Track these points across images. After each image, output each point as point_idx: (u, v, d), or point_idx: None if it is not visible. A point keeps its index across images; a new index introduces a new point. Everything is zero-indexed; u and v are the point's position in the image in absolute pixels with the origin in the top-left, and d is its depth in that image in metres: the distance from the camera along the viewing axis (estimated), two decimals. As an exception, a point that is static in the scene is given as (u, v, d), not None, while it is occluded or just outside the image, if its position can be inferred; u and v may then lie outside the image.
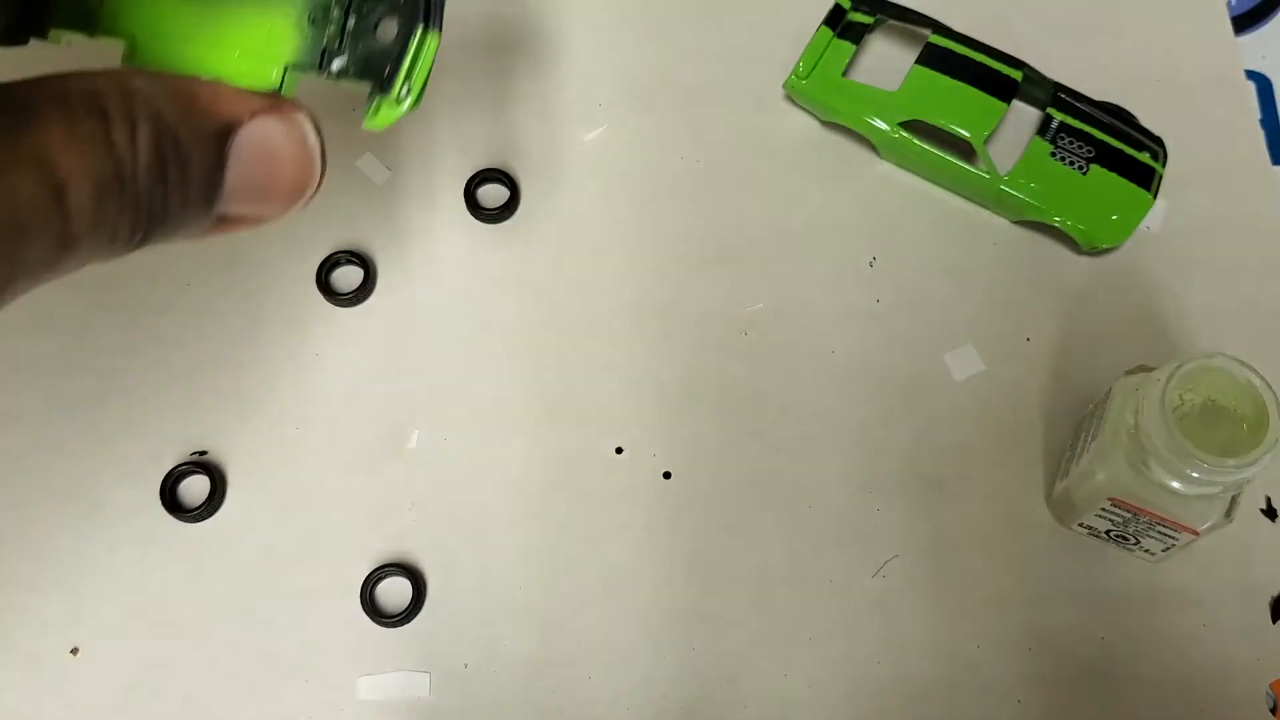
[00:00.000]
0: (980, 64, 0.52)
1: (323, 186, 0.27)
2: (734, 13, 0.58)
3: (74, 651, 0.47)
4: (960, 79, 0.52)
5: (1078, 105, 0.53)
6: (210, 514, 0.49)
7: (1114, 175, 0.51)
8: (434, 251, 0.53)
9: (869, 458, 0.49)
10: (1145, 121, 0.53)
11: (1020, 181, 0.51)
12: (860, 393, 0.50)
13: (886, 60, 0.56)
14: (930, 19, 0.54)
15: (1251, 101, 0.56)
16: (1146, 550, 0.45)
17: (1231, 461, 0.38)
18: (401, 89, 0.27)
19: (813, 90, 0.54)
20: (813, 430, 0.50)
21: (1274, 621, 0.47)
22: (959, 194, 0.54)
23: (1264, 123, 0.55)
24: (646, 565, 0.48)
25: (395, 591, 0.48)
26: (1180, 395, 0.39)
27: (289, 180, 0.26)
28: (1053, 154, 0.52)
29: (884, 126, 0.52)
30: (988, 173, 0.51)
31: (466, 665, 0.47)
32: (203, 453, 0.50)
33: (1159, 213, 0.53)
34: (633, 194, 0.54)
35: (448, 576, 0.48)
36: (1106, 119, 0.52)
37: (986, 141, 0.51)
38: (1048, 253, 0.53)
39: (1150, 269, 0.52)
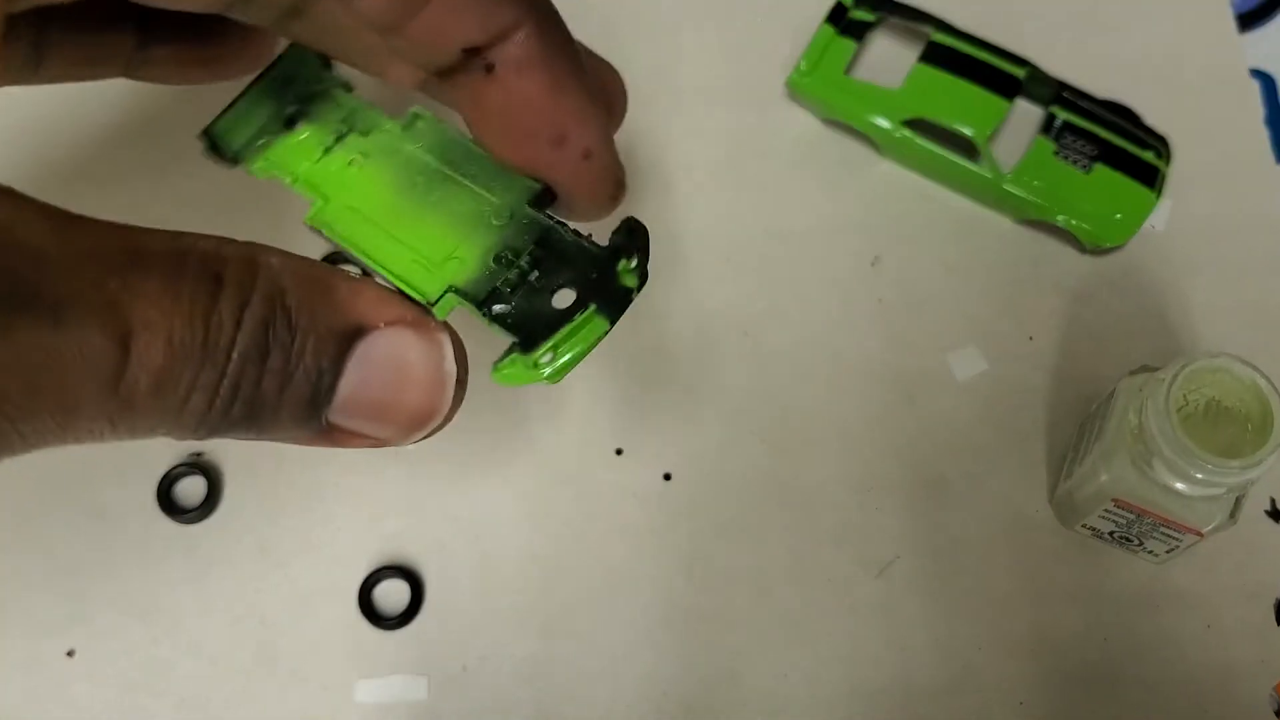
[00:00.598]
0: (983, 62, 0.52)
1: (450, 422, 0.24)
2: (735, 11, 0.57)
3: (70, 653, 0.47)
4: (963, 77, 0.52)
5: (1081, 104, 0.52)
6: (207, 515, 0.48)
7: (1118, 174, 0.51)
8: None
9: (870, 458, 0.49)
10: (1149, 120, 0.53)
11: (1023, 180, 0.51)
12: (861, 393, 0.50)
13: (889, 58, 0.56)
14: (933, 16, 0.54)
15: (1256, 100, 0.56)
16: (1150, 552, 0.45)
17: (1236, 463, 0.37)
18: (544, 355, 0.25)
19: (814, 88, 0.53)
20: (814, 431, 0.50)
21: (1278, 623, 0.47)
22: (961, 193, 0.53)
23: (1268, 122, 0.55)
24: (646, 566, 0.48)
25: (393, 594, 0.47)
26: (1184, 396, 0.39)
27: (413, 404, 0.23)
28: (1056, 153, 0.51)
29: (886, 125, 0.52)
30: (990, 171, 0.51)
31: (465, 668, 0.47)
32: (199, 454, 0.49)
33: (1163, 212, 0.53)
34: (632, 192, 0.54)
35: (446, 579, 0.48)
36: (1111, 117, 0.52)
37: (989, 140, 0.51)
38: (1051, 252, 0.53)
39: (1154, 268, 0.52)
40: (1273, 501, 0.48)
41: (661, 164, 0.54)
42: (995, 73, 0.52)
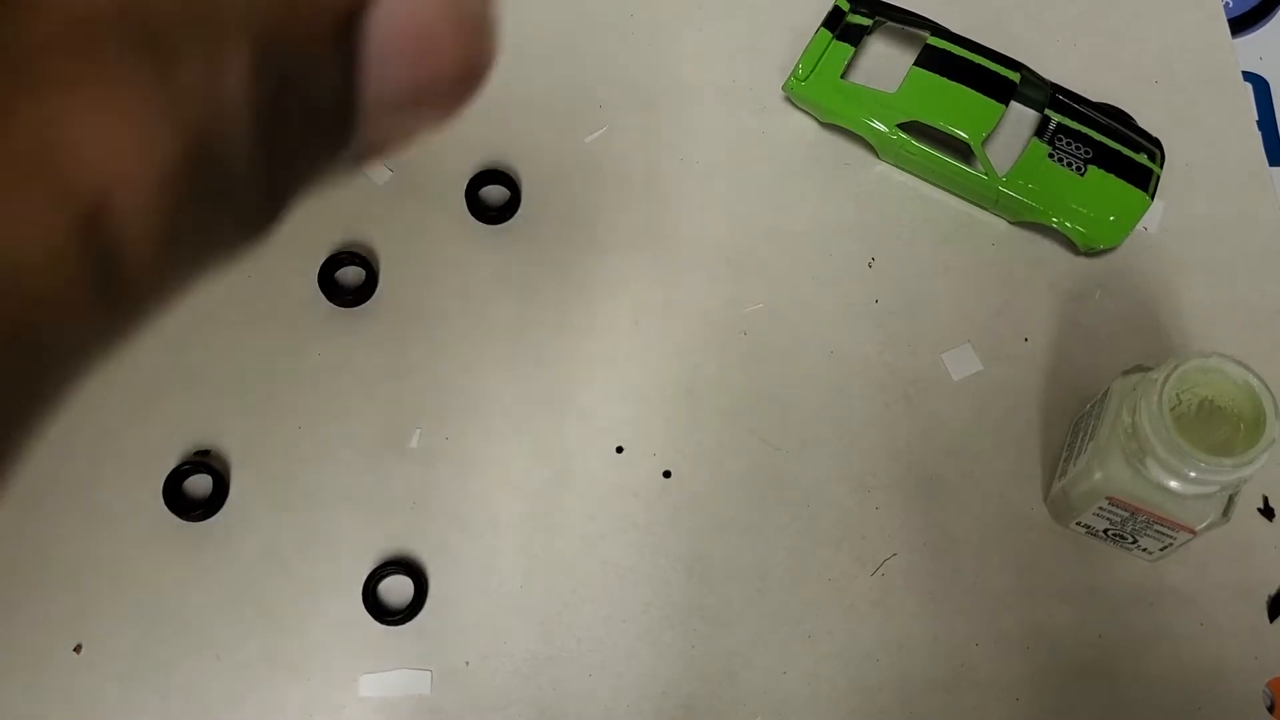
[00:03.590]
0: (978, 65, 0.53)
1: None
2: (734, 14, 0.58)
3: (77, 649, 0.47)
4: (958, 80, 0.52)
5: (1075, 107, 0.53)
6: (213, 513, 0.49)
7: (1111, 176, 0.51)
8: (435, 252, 0.53)
9: (867, 457, 0.50)
10: (1143, 123, 0.54)
11: (1018, 182, 0.52)
12: (859, 392, 0.51)
13: (885, 62, 0.56)
14: (929, 21, 0.55)
15: (1249, 103, 0.56)
16: (1144, 549, 0.46)
17: (1228, 461, 0.38)
18: None
19: (812, 92, 0.54)
20: (811, 429, 0.50)
21: (1271, 620, 0.47)
22: (957, 195, 0.54)
23: (1261, 124, 0.55)
24: (646, 563, 0.48)
25: (397, 590, 0.48)
26: (1177, 395, 0.39)
27: (451, 64, 0.17)
28: (1050, 155, 0.52)
29: (882, 128, 0.53)
30: (986, 173, 0.52)
31: (468, 663, 0.47)
32: (205, 452, 0.50)
33: (1157, 213, 0.53)
34: (633, 195, 0.54)
35: (449, 575, 0.48)
36: (1104, 120, 0.53)
37: (984, 143, 0.51)
38: (1046, 253, 0.53)
39: (1148, 269, 0.53)
40: (1265, 499, 0.49)
41: (661, 166, 0.55)
42: (990, 76, 0.52)
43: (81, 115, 0.13)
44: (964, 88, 0.52)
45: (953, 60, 0.53)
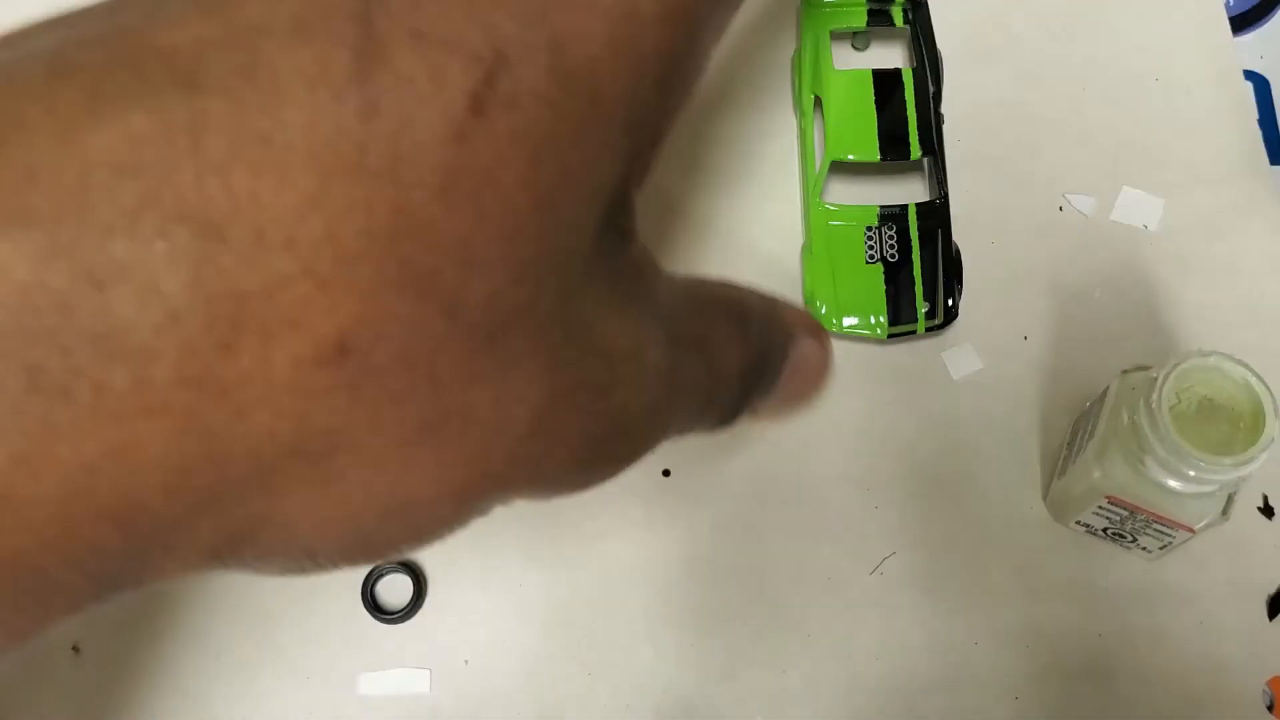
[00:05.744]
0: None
1: None
2: (743, 10, 0.58)
3: (75, 649, 0.47)
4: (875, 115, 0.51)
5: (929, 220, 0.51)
6: (211, 511, 0.49)
7: (883, 285, 0.50)
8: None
9: (867, 455, 0.50)
10: (1142, 120, 0.54)
11: (811, 227, 0.51)
12: (858, 391, 0.51)
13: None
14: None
15: (1249, 101, 0.56)
16: (1143, 548, 0.46)
17: (1228, 460, 0.38)
18: None
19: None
20: (811, 428, 0.50)
21: (1271, 619, 0.47)
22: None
23: (1262, 123, 0.55)
24: (645, 562, 0.48)
25: (396, 588, 0.48)
26: (1177, 394, 0.39)
27: (811, 393, 0.27)
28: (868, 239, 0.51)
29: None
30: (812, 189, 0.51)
31: (467, 661, 0.47)
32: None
33: (1157, 211, 0.53)
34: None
35: (448, 573, 0.48)
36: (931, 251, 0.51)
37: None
38: (1046, 251, 0.53)
39: (1148, 268, 0.52)
40: (1265, 498, 0.49)
41: (664, 163, 0.55)
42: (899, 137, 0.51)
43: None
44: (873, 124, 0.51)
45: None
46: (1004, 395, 0.51)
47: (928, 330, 0.50)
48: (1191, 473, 0.38)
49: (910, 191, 0.53)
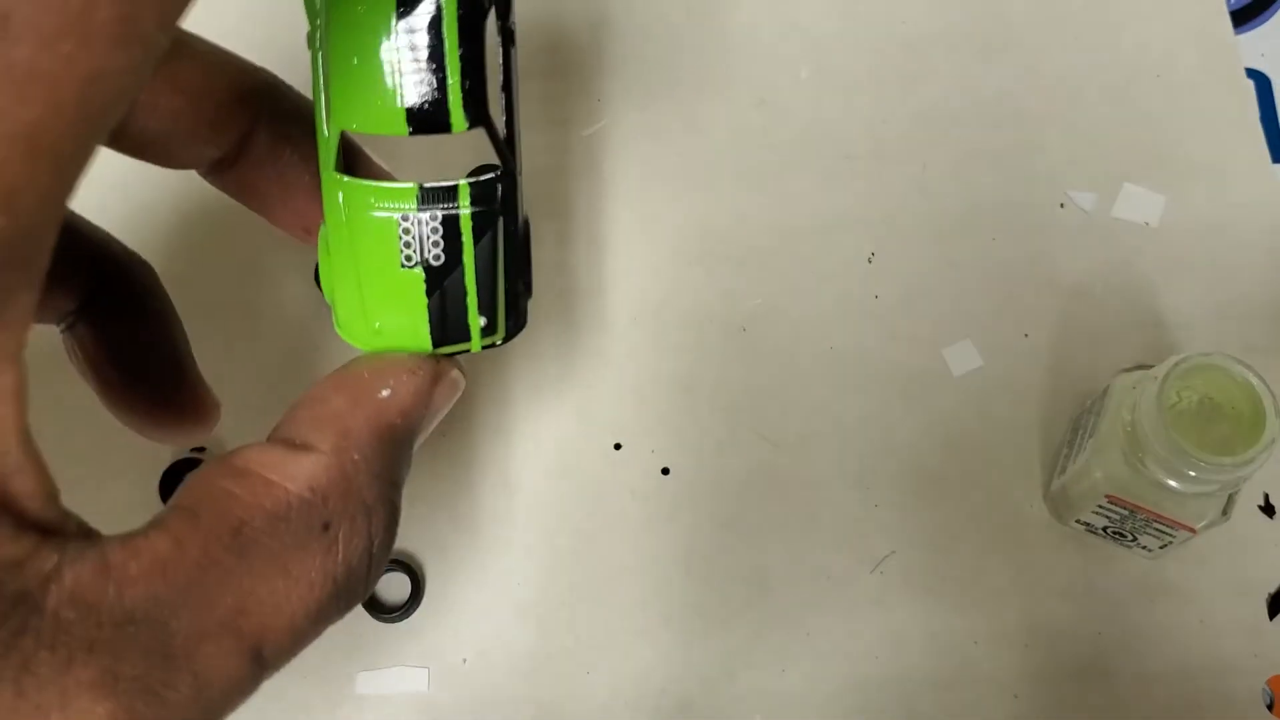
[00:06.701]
0: None
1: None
2: (734, 7, 0.58)
3: (73, 646, 0.47)
4: None
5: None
6: (209, 509, 0.49)
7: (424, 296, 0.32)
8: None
9: (867, 454, 0.50)
10: (1144, 117, 0.53)
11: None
12: (858, 388, 0.51)
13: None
14: None
15: (1251, 99, 0.56)
16: (1144, 547, 0.46)
17: (1228, 460, 0.38)
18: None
19: None
20: (811, 426, 0.50)
21: (1271, 618, 0.47)
22: None
23: (1263, 120, 0.55)
24: (644, 561, 0.48)
25: (393, 586, 0.48)
26: (1177, 393, 0.39)
27: (443, 413, 0.30)
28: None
29: None
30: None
31: (465, 660, 0.47)
32: (202, 449, 0.50)
33: (1158, 209, 0.53)
34: (631, 189, 0.54)
35: (446, 572, 0.48)
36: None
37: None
38: (1046, 249, 0.53)
39: (1149, 266, 0.52)
40: (1265, 497, 0.49)
41: (658, 160, 0.55)
42: None
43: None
44: None
45: None
46: (1004, 393, 0.50)
47: (486, 349, 0.35)
48: (1192, 473, 0.38)
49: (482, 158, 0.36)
